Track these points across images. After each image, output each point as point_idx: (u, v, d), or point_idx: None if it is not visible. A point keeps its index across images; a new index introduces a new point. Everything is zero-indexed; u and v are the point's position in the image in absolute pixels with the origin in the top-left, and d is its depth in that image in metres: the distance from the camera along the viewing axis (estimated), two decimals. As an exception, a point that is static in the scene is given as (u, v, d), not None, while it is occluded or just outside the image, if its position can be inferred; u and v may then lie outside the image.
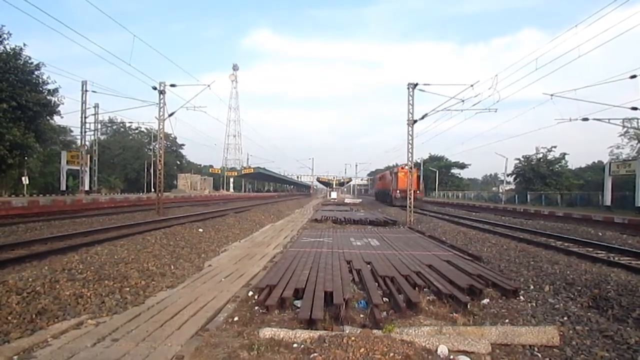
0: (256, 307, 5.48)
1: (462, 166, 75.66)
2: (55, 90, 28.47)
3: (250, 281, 6.92)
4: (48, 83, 28.08)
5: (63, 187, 34.38)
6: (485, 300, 6.06)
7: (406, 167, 34.76)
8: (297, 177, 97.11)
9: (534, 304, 6.02)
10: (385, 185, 40.04)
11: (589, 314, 5.48)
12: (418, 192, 32.99)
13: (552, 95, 21.72)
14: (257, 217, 19.77)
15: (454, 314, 5.40)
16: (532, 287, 7.06)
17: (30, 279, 5.45)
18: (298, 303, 5.49)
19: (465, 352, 3.99)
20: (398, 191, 33.33)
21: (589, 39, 23.22)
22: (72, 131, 46.20)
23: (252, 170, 74.65)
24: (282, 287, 6.02)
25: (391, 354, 3.57)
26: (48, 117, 30.14)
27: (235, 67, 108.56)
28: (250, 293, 6.15)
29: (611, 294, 6.14)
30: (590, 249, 11.57)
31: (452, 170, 76.25)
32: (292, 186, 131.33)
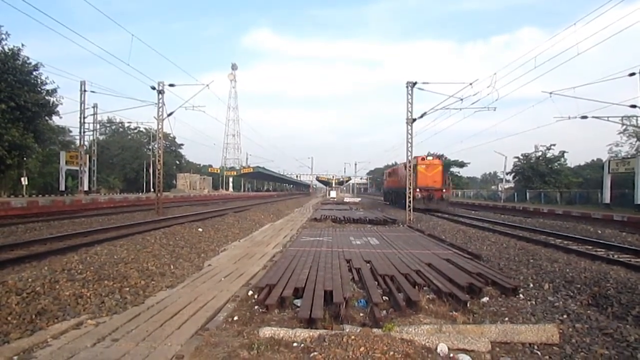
0: (256, 307, 5.47)
1: (462, 165, 75.59)
2: (54, 91, 28.50)
3: (250, 280, 6.92)
4: (47, 83, 28.12)
5: (62, 188, 34.38)
6: (485, 299, 6.06)
7: (429, 157, 29.20)
8: (297, 177, 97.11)
9: (534, 302, 6.02)
10: (399, 183, 31.05)
11: (588, 311, 5.48)
12: (444, 190, 27.34)
13: (551, 93, 21.79)
14: (257, 216, 19.76)
15: (454, 313, 5.41)
16: (531, 285, 7.06)
17: (29, 280, 5.44)
18: (298, 302, 5.49)
19: (465, 351, 4.00)
20: (419, 190, 26.00)
21: (587, 36, 23.33)
22: (71, 131, 46.28)
23: (252, 170, 74.67)
24: (282, 286, 6.02)
25: (391, 353, 3.57)
26: (47, 118, 30.15)
27: (234, 67, 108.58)
28: (250, 292, 6.15)
29: (611, 292, 6.15)
30: (590, 247, 11.58)
31: (451, 169, 76.15)
32: (291, 185, 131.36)
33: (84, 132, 32.19)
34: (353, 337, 3.79)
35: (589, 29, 16.80)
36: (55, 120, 33.91)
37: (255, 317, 5.11)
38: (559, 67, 21.45)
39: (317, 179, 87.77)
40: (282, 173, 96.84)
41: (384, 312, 5.33)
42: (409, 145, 20.05)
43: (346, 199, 51.85)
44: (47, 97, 28.02)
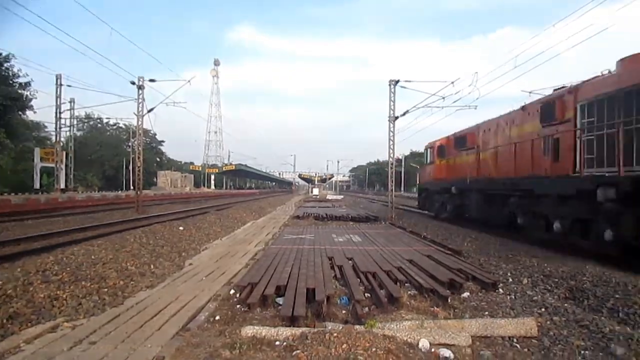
0: (238, 306, 5.41)
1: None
2: (27, 84, 27.72)
3: (232, 279, 6.85)
4: (19, 76, 27.29)
5: (37, 185, 33.38)
6: (466, 294, 6.14)
7: None
8: (279, 174, 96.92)
9: (513, 297, 6.14)
10: (509, 161, 12.53)
11: (565, 305, 5.62)
12: None
13: (530, 92, 22.05)
14: (239, 214, 19.62)
15: (435, 308, 5.46)
16: (510, 280, 7.20)
17: (1, 282, 5.26)
18: (280, 300, 5.46)
19: (446, 345, 4.04)
20: None
21: (568, 36, 23.79)
22: (46, 127, 45.06)
23: (234, 167, 74.14)
24: (264, 284, 5.97)
25: (373, 349, 3.58)
26: (20, 112, 29.24)
27: (216, 63, 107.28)
28: (232, 291, 6.08)
29: (587, 285, 6.33)
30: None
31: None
32: (273, 183, 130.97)
33: (60, 127, 31.23)
34: (335, 334, 3.79)
35: (570, 29, 17.16)
36: (30, 115, 32.92)
37: (237, 316, 5.05)
38: (539, 66, 21.83)
39: (300, 177, 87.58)
40: (264, 170, 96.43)
41: (366, 308, 5.34)
42: (391, 142, 20.18)
43: (329, 197, 51.91)
44: (19, 91, 27.18)
